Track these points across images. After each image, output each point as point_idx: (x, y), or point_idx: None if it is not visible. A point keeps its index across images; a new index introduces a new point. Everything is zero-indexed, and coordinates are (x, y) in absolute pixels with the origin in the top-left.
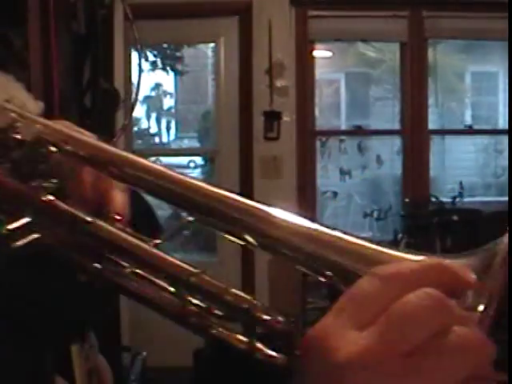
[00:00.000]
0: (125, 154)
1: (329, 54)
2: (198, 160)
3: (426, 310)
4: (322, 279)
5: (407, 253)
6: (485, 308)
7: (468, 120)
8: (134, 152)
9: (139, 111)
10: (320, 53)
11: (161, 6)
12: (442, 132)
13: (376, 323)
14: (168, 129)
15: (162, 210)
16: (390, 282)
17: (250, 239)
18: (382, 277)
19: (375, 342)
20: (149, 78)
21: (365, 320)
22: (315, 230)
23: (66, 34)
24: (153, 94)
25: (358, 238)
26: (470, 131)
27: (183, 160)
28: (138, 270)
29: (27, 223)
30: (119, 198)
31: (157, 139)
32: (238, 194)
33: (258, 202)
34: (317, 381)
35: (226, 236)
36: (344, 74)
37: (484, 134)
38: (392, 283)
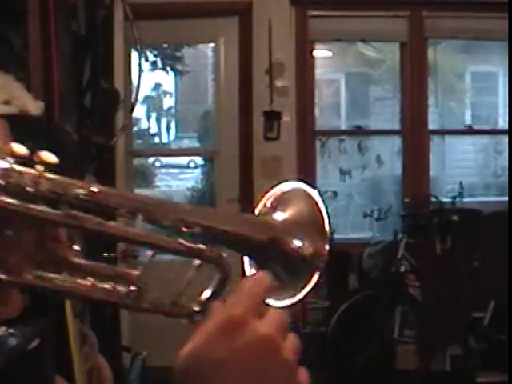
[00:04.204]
0: None
1: (329, 53)
2: (198, 160)
3: None
4: None
5: None
6: None
7: (468, 120)
8: (134, 152)
9: (139, 111)
10: (320, 53)
11: (161, 5)
12: (442, 132)
13: None
14: (168, 129)
15: None
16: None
17: None
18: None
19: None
20: (149, 77)
21: None
22: None
23: (65, 34)
24: (153, 94)
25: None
26: (469, 131)
27: (183, 160)
28: None
29: None
30: None
31: (157, 139)
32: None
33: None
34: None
35: None
36: (344, 74)
37: (484, 134)
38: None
